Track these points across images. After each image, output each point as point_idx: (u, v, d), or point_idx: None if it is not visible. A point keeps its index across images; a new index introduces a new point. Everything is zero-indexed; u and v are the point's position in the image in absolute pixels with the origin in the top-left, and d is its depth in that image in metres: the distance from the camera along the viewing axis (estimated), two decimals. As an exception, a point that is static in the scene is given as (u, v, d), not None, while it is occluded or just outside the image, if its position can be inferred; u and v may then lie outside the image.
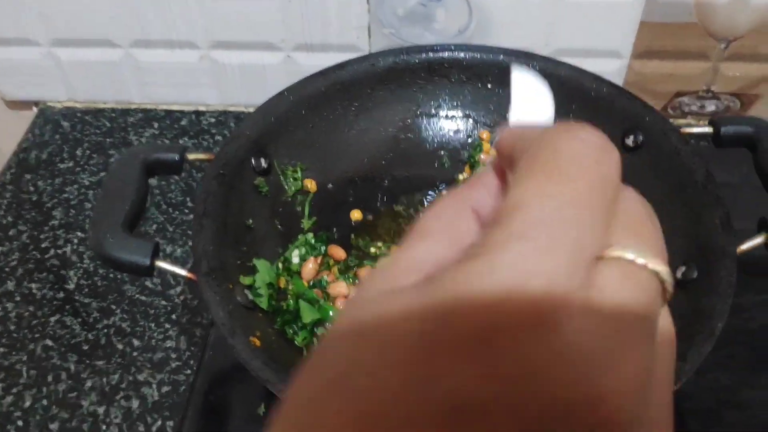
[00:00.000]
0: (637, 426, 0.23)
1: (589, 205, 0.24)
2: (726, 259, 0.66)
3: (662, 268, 0.25)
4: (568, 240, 0.23)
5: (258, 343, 0.64)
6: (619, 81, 1.04)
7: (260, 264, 0.73)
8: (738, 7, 0.93)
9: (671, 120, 0.79)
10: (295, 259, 0.79)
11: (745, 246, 0.69)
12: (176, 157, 0.73)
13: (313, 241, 0.80)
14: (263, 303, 0.70)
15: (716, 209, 0.70)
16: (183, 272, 0.66)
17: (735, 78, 1.03)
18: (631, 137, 0.80)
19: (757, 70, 1.03)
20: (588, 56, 1.00)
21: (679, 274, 0.70)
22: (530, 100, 0.38)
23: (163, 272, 0.77)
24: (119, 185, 0.68)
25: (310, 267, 0.78)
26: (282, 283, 0.76)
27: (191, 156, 0.74)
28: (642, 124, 0.79)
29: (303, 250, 0.80)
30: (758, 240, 0.69)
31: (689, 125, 0.80)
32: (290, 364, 0.66)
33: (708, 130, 0.78)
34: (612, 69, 1.03)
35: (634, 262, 0.24)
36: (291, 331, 0.71)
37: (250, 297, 0.70)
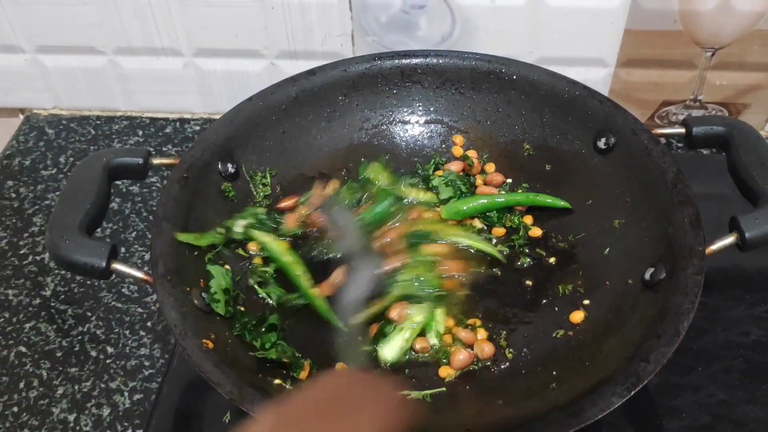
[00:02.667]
0: None
1: None
2: (694, 257, 0.65)
3: None
4: None
5: (211, 345, 0.63)
6: (604, 90, 1.02)
7: (215, 270, 0.72)
8: (723, 14, 0.92)
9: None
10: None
11: (716, 246, 0.67)
12: (139, 161, 0.72)
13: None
14: (220, 308, 0.69)
15: (686, 208, 0.69)
16: (139, 274, 0.65)
17: (722, 87, 1.02)
18: (603, 139, 0.80)
19: (745, 79, 1.01)
20: (573, 65, 1.00)
21: (647, 276, 0.69)
22: None
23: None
24: (79, 188, 0.67)
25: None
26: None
27: (156, 161, 0.74)
28: (613, 126, 0.79)
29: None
30: (728, 240, 0.67)
31: (662, 126, 0.79)
32: (247, 367, 0.65)
33: (680, 130, 0.77)
34: (597, 78, 1.01)
35: None
36: (250, 336, 0.70)
37: (208, 301, 0.69)
